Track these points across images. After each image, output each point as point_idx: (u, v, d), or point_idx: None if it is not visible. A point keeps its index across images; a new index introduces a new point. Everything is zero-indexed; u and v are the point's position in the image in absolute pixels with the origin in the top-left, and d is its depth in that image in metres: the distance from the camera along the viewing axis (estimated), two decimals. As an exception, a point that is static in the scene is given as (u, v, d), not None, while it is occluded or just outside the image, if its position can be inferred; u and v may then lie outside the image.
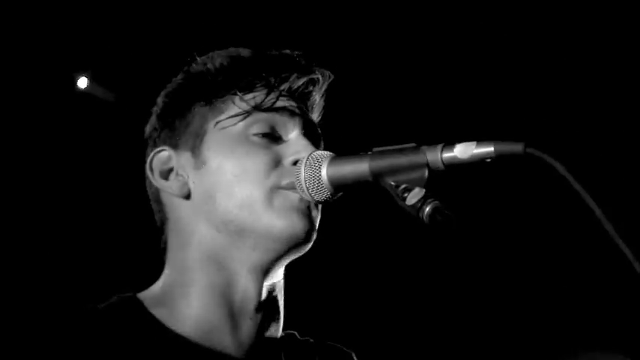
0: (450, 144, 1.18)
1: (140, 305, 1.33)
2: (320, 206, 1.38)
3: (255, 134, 1.34)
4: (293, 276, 1.46)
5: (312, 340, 1.52)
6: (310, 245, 1.35)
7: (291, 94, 1.39)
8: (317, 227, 1.36)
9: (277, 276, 1.38)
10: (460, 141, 1.19)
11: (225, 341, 1.31)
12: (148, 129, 1.46)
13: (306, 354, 1.48)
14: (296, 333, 1.50)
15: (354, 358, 1.58)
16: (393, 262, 4.68)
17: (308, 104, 1.42)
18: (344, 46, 3.89)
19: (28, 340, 1.22)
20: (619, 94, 4.13)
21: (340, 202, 1.38)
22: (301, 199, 1.32)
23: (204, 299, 1.32)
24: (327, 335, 1.61)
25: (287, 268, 1.42)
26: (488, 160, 1.16)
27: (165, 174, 1.38)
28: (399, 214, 1.18)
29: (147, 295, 1.36)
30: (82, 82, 4.32)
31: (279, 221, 1.30)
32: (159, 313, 1.31)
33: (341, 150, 1.34)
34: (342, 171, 1.27)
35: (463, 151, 1.16)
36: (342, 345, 1.59)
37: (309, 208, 1.34)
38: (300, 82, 1.39)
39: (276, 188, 1.32)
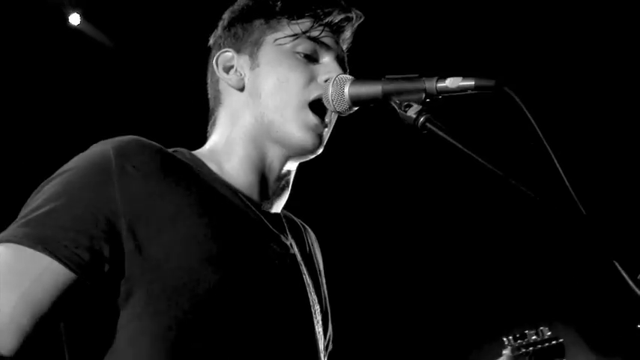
0: (443, 77, 1.51)
1: (197, 157, 1.71)
2: (334, 121, 1.77)
3: (298, 52, 1.73)
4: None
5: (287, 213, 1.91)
6: (315, 155, 1.75)
7: (330, 27, 1.77)
8: (324, 143, 1.74)
9: (291, 166, 1.77)
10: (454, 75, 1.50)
11: (254, 195, 1.72)
12: (213, 38, 1.85)
13: (290, 223, 1.87)
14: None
15: (310, 230, 1.99)
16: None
17: (341, 37, 1.81)
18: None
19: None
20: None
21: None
22: (318, 124, 1.70)
23: (243, 165, 1.71)
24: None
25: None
26: (471, 91, 1.47)
27: (227, 69, 1.78)
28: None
29: (198, 152, 1.74)
30: (74, 19, 4.38)
31: (298, 132, 1.70)
32: (210, 165, 1.69)
33: (361, 75, 1.70)
34: (360, 90, 1.64)
35: (452, 82, 1.49)
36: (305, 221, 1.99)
37: (322, 130, 1.72)
38: (340, 17, 1.78)
39: (306, 102, 1.70)
